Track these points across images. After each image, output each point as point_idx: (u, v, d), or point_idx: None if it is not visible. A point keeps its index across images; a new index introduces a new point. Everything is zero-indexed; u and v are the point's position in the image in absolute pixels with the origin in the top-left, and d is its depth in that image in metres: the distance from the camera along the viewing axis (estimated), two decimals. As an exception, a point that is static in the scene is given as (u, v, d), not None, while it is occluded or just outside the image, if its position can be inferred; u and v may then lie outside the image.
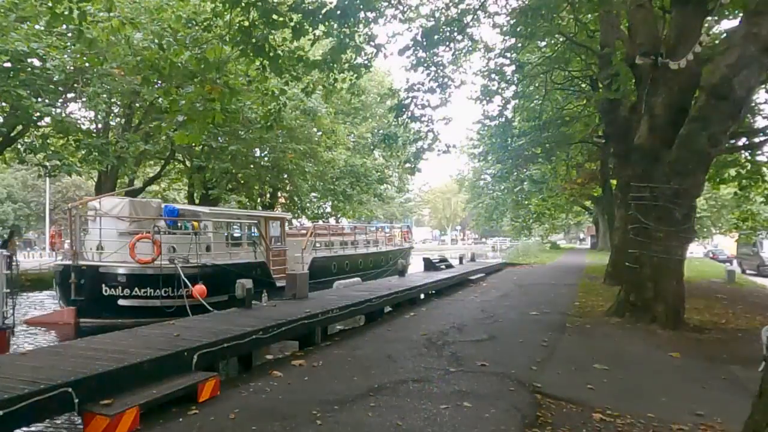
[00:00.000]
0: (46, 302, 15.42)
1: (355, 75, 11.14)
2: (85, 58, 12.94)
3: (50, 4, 8.23)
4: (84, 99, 17.45)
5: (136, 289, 11.84)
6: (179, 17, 12.07)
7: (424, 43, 11.33)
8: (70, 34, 14.96)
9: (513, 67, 16.97)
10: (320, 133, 26.83)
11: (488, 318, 9.65)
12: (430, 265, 17.92)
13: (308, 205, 32.10)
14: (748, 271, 26.11)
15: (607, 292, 12.60)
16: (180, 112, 9.25)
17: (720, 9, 8.50)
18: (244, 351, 6.56)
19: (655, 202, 8.47)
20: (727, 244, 44.00)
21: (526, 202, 38.18)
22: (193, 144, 21.32)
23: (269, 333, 6.88)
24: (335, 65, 10.44)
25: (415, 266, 22.64)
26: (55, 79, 16.08)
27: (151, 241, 12.05)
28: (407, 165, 18.61)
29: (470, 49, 14.30)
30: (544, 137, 20.92)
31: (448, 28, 11.69)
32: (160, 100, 16.71)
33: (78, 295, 11.70)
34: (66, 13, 7.78)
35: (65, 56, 15.14)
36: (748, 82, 7.72)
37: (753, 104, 13.40)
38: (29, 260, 26.81)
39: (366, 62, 10.98)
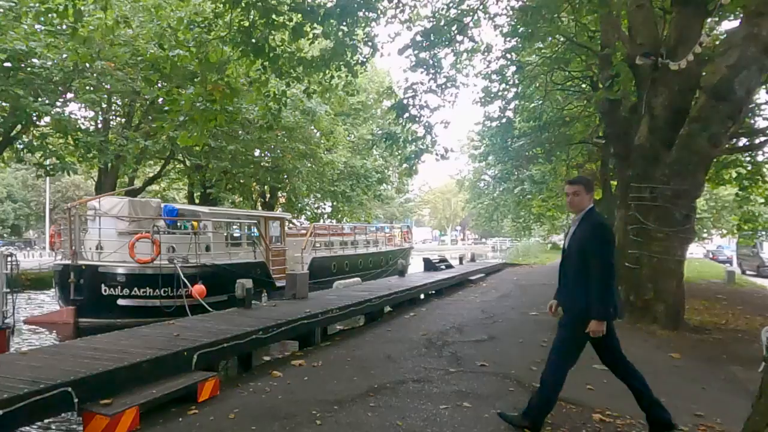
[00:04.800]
0: (46, 301, 15.43)
1: (351, 74, 11.12)
2: (78, 53, 12.90)
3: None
4: (82, 96, 17.42)
5: (136, 288, 11.83)
6: (180, 19, 12.09)
7: (425, 45, 11.31)
8: (68, 32, 14.97)
9: (513, 69, 16.97)
10: (319, 134, 26.83)
11: (488, 318, 9.65)
12: (430, 265, 17.92)
13: (307, 207, 32.06)
14: (747, 272, 26.11)
15: (607, 293, 12.57)
16: (181, 112, 9.24)
17: (720, 9, 8.50)
18: (244, 351, 6.56)
19: (655, 203, 8.46)
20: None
21: (528, 203, 38.14)
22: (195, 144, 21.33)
23: (269, 333, 6.88)
24: (333, 64, 10.43)
25: (415, 266, 22.65)
26: (54, 79, 16.05)
27: (150, 240, 12.04)
28: (404, 166, 18.65)
29: (471, 50, 14.27)
30: (545, 138, 20.88)
31: (448, 29, 11.67)
32: (160, 100, 16.67)
33: (77, 294, 11.70)
34: (60, 9, 7.75)
35: (61, 55, 15.09)
36: (748, 83, 7.71)
37: (753, 105, 13.38)
38: (29, 260, 26.78)
39: (363, 60, 10.97)
